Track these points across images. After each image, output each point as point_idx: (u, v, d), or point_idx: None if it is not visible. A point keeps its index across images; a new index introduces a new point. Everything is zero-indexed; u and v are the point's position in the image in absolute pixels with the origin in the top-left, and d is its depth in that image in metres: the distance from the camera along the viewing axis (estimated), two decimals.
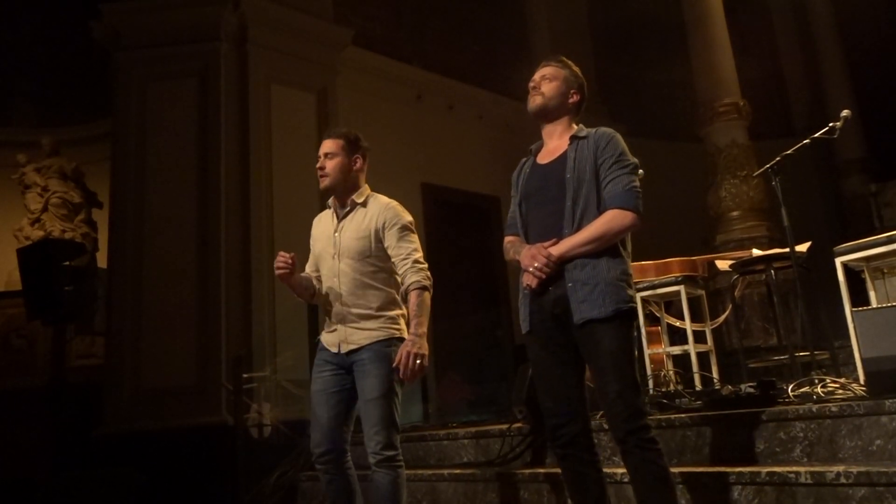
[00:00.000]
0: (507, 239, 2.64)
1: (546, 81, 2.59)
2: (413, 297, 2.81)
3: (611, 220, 2.37)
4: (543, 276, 2.38)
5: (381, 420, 2.77)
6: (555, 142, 2.58)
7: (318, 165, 2.98)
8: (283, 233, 6.32)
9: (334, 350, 2.91)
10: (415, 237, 2.94)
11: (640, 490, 2.30)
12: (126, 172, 6.38)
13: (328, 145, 2.98)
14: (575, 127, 2.58)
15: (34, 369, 6.96)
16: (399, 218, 2.92)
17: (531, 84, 2.61)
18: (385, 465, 2.77)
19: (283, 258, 2.88)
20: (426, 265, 2.88)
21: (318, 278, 3.06)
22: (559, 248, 2.37)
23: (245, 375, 5.33)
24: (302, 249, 3.16)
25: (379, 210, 2.93)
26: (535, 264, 2.37)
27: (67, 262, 5.16)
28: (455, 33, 9.09)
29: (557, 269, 2.37)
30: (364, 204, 2.97)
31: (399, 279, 2.90)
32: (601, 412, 2.63)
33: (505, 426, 3.88)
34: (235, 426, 5.16)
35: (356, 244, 2.90)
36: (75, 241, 7.31)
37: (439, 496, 3.80)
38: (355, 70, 7.53)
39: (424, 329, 2.78)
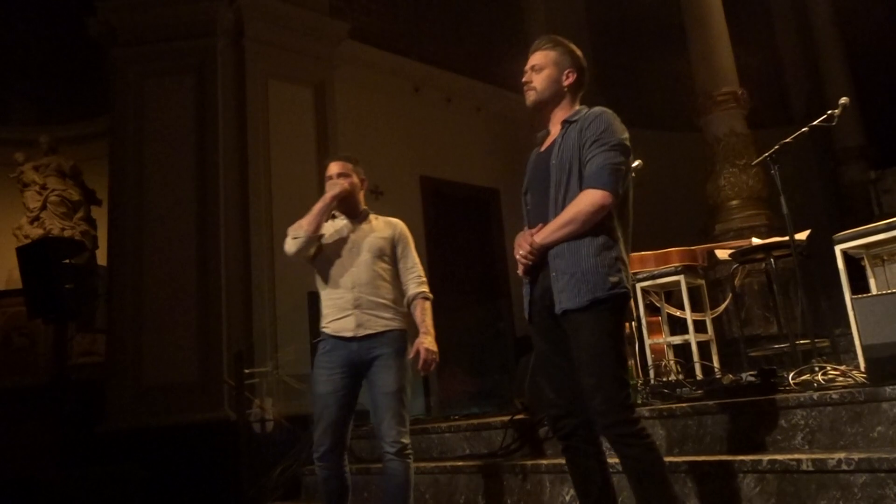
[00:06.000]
0: None
1: (535, 73, 2.50)
2: (421, 303, 3.18)
3: (579, 200, 2.29)
4: (528, 263, 2.38)
5: (398, 413, 3.00)
6: (554, 128, 2.53)
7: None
8: (283, 226, 6.39)
9: (348, 335, 3.05)
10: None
11: (629, 483, 2.28)
12: (124, 169, 6.38)
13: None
14: (574, 109, 2.50)
15: (36, 368, 6.96)
16: (409, 235, 3.34)
17: (523, 79, 2.51)
18: (401, 455, 2.98)
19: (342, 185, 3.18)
20: (426, 279, 3.28)
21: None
22: (539, 234, 2.35)
23: (247, 371, 5.34)
24: None
25: (394, 224, 3.32)
26: (520, 252, 2.38)
27: (67, 260, 5.16)
28: (452, 25, 9.05)
29: (541, 257, 2.36)
30: (367, 215, 3.29)
31: (403, 285, 3.23)
32: None
33: (507, 418, 3.89)
34: (238, 421, 5.17)
35: (377, 242, 3.20)
36: (74, 238, 7.33)
37: (442, 488, 3.82)
38: (352, 64, 7.52)
39: (433, 331, 3.14)
